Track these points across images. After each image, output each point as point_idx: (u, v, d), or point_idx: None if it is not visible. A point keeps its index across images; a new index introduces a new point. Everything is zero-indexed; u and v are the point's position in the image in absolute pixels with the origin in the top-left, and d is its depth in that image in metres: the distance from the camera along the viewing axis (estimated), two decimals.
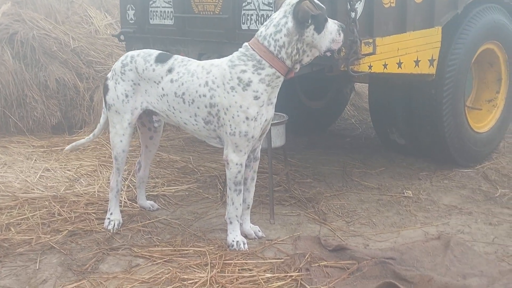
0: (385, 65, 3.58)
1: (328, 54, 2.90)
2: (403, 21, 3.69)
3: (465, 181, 4.23)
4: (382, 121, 4.74)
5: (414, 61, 3.78)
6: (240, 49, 2.94)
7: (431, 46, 3.89)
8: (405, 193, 3.96)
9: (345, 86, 5.61)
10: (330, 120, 6.13)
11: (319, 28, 2.79)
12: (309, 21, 2.76)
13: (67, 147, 3.75)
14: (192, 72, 3.02)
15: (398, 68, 3.68)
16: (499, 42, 4.55)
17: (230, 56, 2.97)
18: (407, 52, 3.72)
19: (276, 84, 2.91)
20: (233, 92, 2.86)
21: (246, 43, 2.93)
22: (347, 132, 6.09)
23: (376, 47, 3.48)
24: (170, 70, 3.09)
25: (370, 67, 3.48)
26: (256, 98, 2.85)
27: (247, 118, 2.86)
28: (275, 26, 2.82)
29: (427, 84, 4.12)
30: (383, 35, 3.55)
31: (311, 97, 5.73)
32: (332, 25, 2.85)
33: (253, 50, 2.86)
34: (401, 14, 3.68)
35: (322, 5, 2.85)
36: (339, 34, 2.87)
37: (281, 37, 2.80)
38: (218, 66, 2.96)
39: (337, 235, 3.25)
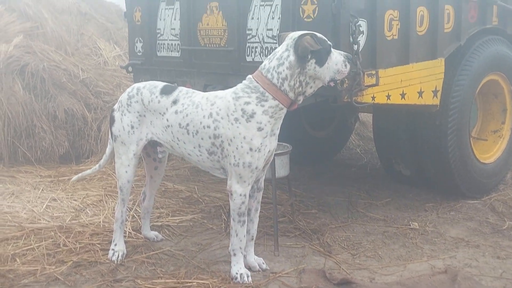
0: (388, 96, 3.61)
1: (332, 84, 2.93)
2: (406, 53, 3.73)
3: (472, 213, 4.20)
4: (386, 152, 4.75)
5: (417, 92, 3.81)
6: (244, 81, 2.98)
7: (434, 77, 3.92)
8: (411, 225, 3.94)
9: (350, 116, 5.63)
10: (335, 150, 6.15)
11: (321, 62, 2.83)
12: (309, 56, 2.80)
13: (74, 178, 3.79)
14: (197, 103, 3.06)
15: (401, 99, 3.70)
16: (503, 73, 4.58)
17: (234, 88, 3.01)
18: (410, 84, 3.75)
19: (279, 116, 2.94)
20: (237, 123, 2.89)
21: (250, 76, 2.97)
22: (352, 162, 6.09)
23: (379, 79, 3.51)
24: (175, 102, 3.13)
25: (373, 98, 3.51)
26: (259, 129, 2.88)
27: (250, 149, 2.88)
28: (278, 59, 2.87)
29: (431, 115, 4.14)
30: (386, 67, 3.59)
31: (316, 127, 5.76)
32: (337, 57, 2.88)
33: (257, 82, 2.90)
34: (403, 46, 3.72)
35: (325, 39, 2.89)
36: (345, 65, 2.90)
37: (283, 70, 2.84)
38: (222, 98, 3.00)
39: (342, 268, 3.22)
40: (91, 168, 3.75)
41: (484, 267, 3.25)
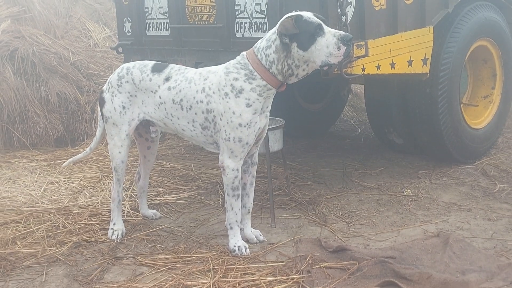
0: (378, 67, 3.63)
1: (325, 68, 2.80)
2: (394, 22, 3.75)
3: (464, 178, 4.27)
4: (379, 122, 4.79)
5: (407, 61, 3.83)
6: (237, 57, 3.00)
7: (423, 45, 3.94)
8: (404, 192, 4.00)
9: (342, 88, 5.65)
10: (329, 123, 6.18)
11: (303, 46, 2.75)
12: (287, 40, 2.75)
13: (65, 163, 3.79)
14: (190, 79, 3.08)
15: (391, 69, 3.73)
16: (492, 38, 4.60)
17: (227, 63, 3.03)
18: (399, 53, 3.77)
19: (268, 95, 2.96)
20: (227, 98, 2.92)
21: (243, 52, 2.99)
22: (346, 133, 6.14)
23: (368, 49, 3.53)
24: (167, 79, 3.15)
25: (363, 69, 3.54)
26: (248, 105, 2.90)
27: (240, 125, 2.91)
28: (267, 40, 2.88)
29: (421, 83, 4.18)
30: (375, 37, 3.61)
31: (309, 100, 5.79)
32: (329, 38, 2.73)
33: (248, 60, 2.92)
34: (392, 15, 3.74)
35: (311, 21, 2.75)
36: (338, 47, 2.72)
37: (270, 53, 2.85)
38: (215, 72, 3.02)
39: (337, 237, 3.29)
40: (85, 150, 3.78)
41: (476, 229, 3.32)
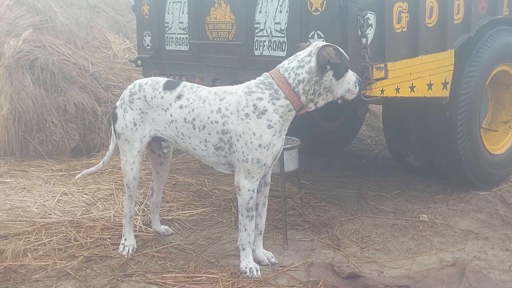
0: (397, 89, 3.59)
1: (340, 101, 3.00)
2: (415, 45, 3.70)
3: (482, 205, 4.18)
4: (396, 144, 4.73)
5: (427, 84, 3.78)
6: (258, 77, 2.99)
7: (444, 69, 3.89)
8: (420, 217, 3.93)
9: (360, 108, 5.61)
10: (345, 141, 6.14)
11: (338, 76, 2.89)
12: (328, 67, 2.83)
13: (78, 176, 3.77)
14: (204, 98, 3.06)
15: (410, 92, 3.68)
16: None
17: (247, 83, 3.01)
18: (419, 76, 3.72)
19: (287, 118, 2.95)
20: (247, 119, 2.89)
21: (266, 73, 2.98)
22: (363, 153, 6.07)
23: (388, 72, 3.49)
24: (179, 97, 3.13)
25: (382, 91, 3.49)
26: (269, 127, 2.89)
27: (260, 146, 2.89)
28: (299, 61, 2.89)
29: (441, 106, 4.12)
30: (395, 60, 3.57)
31: (326, 119, 5.75)
32: (351, 76, 2.96)
33: (272, 79, 2.91)
34: (413, 38, 3.69)
35: (346, 56, 2.95)
36: (355, 86, 2.97)
37: (302, 73, 2.86)
38: (233, 93, 3.00)
39: (351, 262, 3.23)
40: (98, 164, 3.77)
41: (493, 260, 3.24)
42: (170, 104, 3.13)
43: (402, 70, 3.59)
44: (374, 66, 3.39)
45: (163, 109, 3.16)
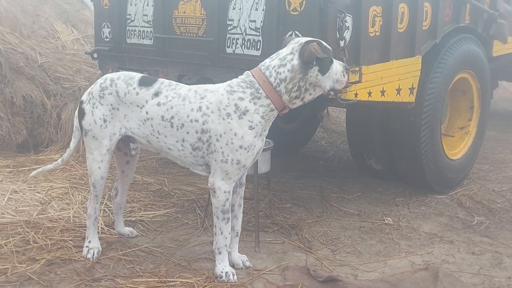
0: (369, 93, 3.60)
1: (332, 93, 2.91)
2: (387, 49, 3.73)
3: (441, 208, 4.28)
4: (359, 146, 4.77)
5: (396, 89, 3.83)
6: (240, 76, 2.90)
7: (412, 74, 3.95)
8: (385, 220, 3.97)
9: (321, 110, 5.62)
10: (302, 143, 6.14)
11: (323, 70, 2.80)
12: (314, 63, 2.76)
13: (32, 173, 3.49)
14: (183, 96, 2.94)
15: (381, 96, 3.71)
16: (473, 71, 4.67)
17: (229, 81, 2.92)
18: (390, 81, 3.75)
19: (269, 118, 2.88)
20: (229, 118, 2.80)
21: (247, 71, 2.89)
22: (319, 154, 6.10)
23: (362, 75, 3.50)
24: (156, 94, 3.00)
25: (356, 95, 3.49)
26: (250, 128, 2.80)
27: (240, 147, 2.80)
28: (281, 59, 2.81)
29: (406, 111, 4.18)
30: (368, 64, 3.58)
31: (285, 120, 5.71)
32: (337, 66, 2.87)
33: (253, 77, 2.82)
34: (385, 42, 3.72)
35: (329, 48, 2.87)
36: (343, 75, 2.88)
37: (283, 71, 2.78)
38: (214, 91, 2.90)
39: (324, 265, 3.21)
40: (50, 159, 3.55)
41: (462, 263, 3.31)
42: (146, 101, 2.98)
43: (374, 74, 3.61)
44: (350, 69, 3.38)
45: (137, 106, 3.01)
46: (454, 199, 4.50)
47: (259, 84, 2.79)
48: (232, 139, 2.79)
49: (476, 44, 4.63)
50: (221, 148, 2.83)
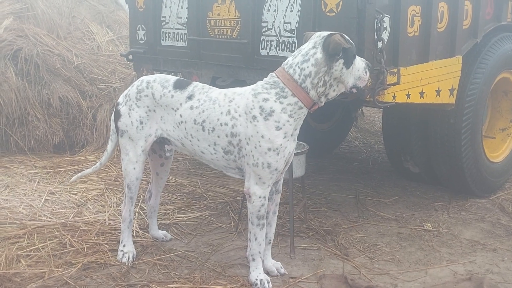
0: (408, 95, 3.50)
1: (354, 90, 2.85)
2: (426, 50, 3.62)
3: (482, 213, 4.14)
4: (396, 148, 4.66)
5: (435, 90, 3.71)
6: (265, 78, 2.85)
7: (452, 75, 3.83)
8: (424, 226, 3.86)
9: (355, 110, 5.53)
10: (336, 143, 6.05)
11: (348, 63, 2.74)
12: (340, 54, 2.68)
13: (72, 178, 3.57)
14: (214, 99, 2.91)
15: (420, 98, 3.60)
16: None
17: (254, 85, 2.87)
18: (429, 82, 3.64)
19: (298, 116, 2.81)
20: (255, 121, 2.76)
21: (271, 72, 2.84)
22: (353, 155, 6.00)
23: (401, 77, 3.40)
24: (190, 97, 2.98)
25: (394, 97, 3.40)
26: (278, 128, 2.74)
27: (269, 149, 2.75)
28: (303, 55, 2.74)
29: (445, 113, 4.06)
30: (407, 65, 3.48)
31: (318, 120, 5.64)
32: (359, 62, 2.81)
33: (277, 77, 2.77)
34: (424, 43, 3.61)
35: (351, 41, 2.79)
36: (366, 72, 2.83)
37: (307, 67, 2.71)
38: (241, 94, 2.86)
39: (362, 273, 3.13)
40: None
41: (507, 274, 3.18)
42: (181, 104, 2.97)
43: (413, 75, 3.51)
44: (388, 71, 3.29)
45: (172, 108, 2.99)
46: (496, 203, 4.35)
47: (283, 83, 2.74)
48: (259, 141, 2.74)
49: None
50: (251, 151, 2.78)
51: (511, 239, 3.69)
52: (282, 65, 2.82)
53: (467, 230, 3.82)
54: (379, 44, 3.22)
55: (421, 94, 3.60)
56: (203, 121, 2.91)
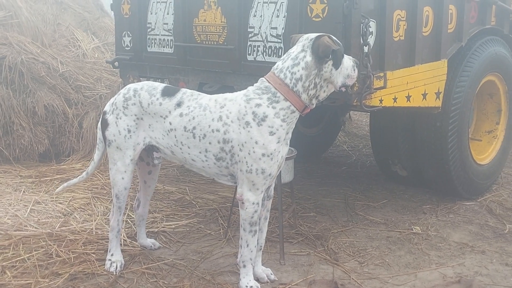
0: (395, 99, 3.51)
1: (343, 89, 2.86)
2: (412, 54, 3.64)
3: (470, 215, 4.16)
4: (383, 152, 4.67)
5: (422, 94, 3.73)
6: (255, 84, 2.84)
7: (437, 79, 3.85)
8: (413, 229, 3.87)
9: (342, 114, 5.54)
10: (324, 147, 6.06)
11: (337, 64, 2.74)
12: (330, 56, 2.68)
13: (58, 189, 3.48)
14: (204, 106, 2.89)
15: (407, 102, 3.62)
16: (500, 73, 4.54)
17: (245, 90, 2.86)
18: (415, 86, 3.66)
19: (291, 120, 2.80)
20: (248, 127, 2.74)
21: (262, 78, 2.83)
22: (341, 159, 6.00)
23: (387, 81, 3.41)
24: (179, 104, 2.95)
25: (381, 101, 3.40)
26: (271, 133, 2.74)
27: (263, 155, 2.74)
28: (293, 59, 2.74)
29: (432, 116, 4.08)
30: (393, 69, 3.49)
31: (306, 124, 5.65)
32: (347, 61, 2.82)
33: (268, 82, 2.76)
34: (410, 47, 3.63)
35: (339, 42, 2.80)
36: (354, 70, 2.84)
37: (298, 70, 2.71)
38: (233, 100, 2.85)
39: (352, 278, 3.12)
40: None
41: (496, 276, 3.19)
42: (170, 112, 2.94)
43: (400, 79, 3.52)
44: (374, 75, 3.30)
45: (161, 116, 2.96)
46: (483, 205, 4.38)
47: (275, 88, 2.73)
48: (253, 147, 2.73)
49: (502, 46, 4.50)
50: (244, 158, 2.77)
51: (499, 241, 3.71)
52: (272, 69, 2.82)
53: (456, 233, 3.84)
54: (365, 49, 3.22)
55: (408, 97, 3.61)
56: (194, 128, 2.89)
